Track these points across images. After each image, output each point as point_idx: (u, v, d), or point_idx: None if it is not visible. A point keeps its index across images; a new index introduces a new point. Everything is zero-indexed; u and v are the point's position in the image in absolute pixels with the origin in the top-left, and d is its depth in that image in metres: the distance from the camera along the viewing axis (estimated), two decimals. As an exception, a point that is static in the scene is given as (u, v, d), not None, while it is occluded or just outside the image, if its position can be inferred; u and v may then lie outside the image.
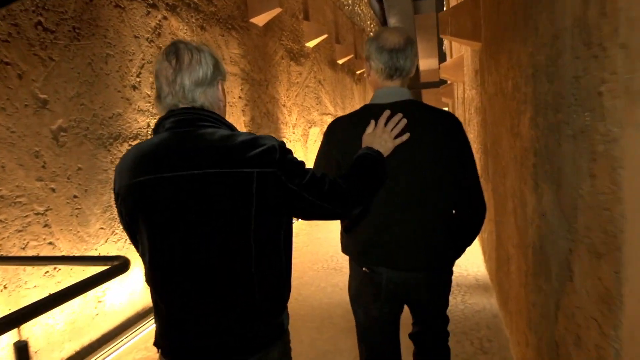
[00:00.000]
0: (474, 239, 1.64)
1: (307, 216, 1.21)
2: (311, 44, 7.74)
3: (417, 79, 20.27)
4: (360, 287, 1.64)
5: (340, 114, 10.00)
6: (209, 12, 4.54)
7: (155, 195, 1.11)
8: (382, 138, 1.45)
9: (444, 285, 1.67)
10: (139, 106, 3.45)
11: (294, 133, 6.82)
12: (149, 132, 3.56)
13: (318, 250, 4.95)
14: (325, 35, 7.79)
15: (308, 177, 1.15)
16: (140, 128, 3.46)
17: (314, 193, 1.15)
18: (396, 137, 1.47)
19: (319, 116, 8.29)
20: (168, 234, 1.11)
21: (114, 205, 1.93)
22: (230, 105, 4.87)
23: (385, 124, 1.48)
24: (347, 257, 1.73)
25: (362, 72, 12.57)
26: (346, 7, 11.36)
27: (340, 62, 9.97)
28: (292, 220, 1.22)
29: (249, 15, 5.43)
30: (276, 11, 5.54)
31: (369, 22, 14.72)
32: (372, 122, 1.49)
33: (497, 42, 2.73)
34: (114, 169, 1.38)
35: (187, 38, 4.14)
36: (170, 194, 1.10)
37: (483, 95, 3.57)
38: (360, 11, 13.24)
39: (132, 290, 3.29)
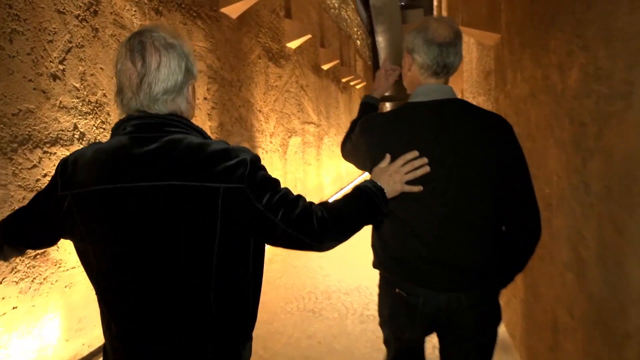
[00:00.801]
0: (525, 264, 1.46)
1: (273, 242, 1.09)
2: (293, 44, 7.00)
3: (405, 90, 19.69)
4: (393, 308, 1.51)
5: (324, 123, 9.24)
6: (168, -6, 3.76)
7: (115, 207, 1.04)
8: (392, 177, 1.31)
9: (494, 312, 1.46)
10: (61, 102, 2.64)
11: (271, 143, 6.03)
12: (76, 137, 2.74)
13: (294, 283, 4.14)
14: (309, 36, 7.05)
15: (277, 197, 1.05)
16: (62, 130, 2.64)
17: (282, 216, 1.04)
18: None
19: (301, 125, 7.52)
20: (125, 248, 1.04)
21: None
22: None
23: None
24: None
25: (348, 80, 11.88)
26: (332, 11, 10.68)
27: (325, 67, 9.25)
28: (264, 244, 1.11)
29: (220, 4, 4.66)
30: (251, 1, 4.78)
31: (355, 29, 14.08)
32: (388, 156, 1.35)
33: (535, 27, 2.01)
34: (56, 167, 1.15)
35: (136, 22, 3.34)
36: (131, 207, 1.03)
37: (503, 100, 2.85)
38: (347, 16, 12.59)
39: (42, 346, 2.45)
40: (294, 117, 7.16)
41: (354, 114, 14.51)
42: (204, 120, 4.25)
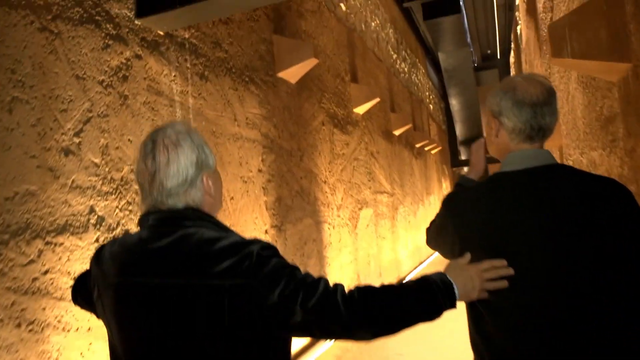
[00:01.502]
0: None
1: (297, 331, 1.03)
2: (361, 109, 6.52)
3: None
4: None
5: (398, 191, 8.53)
6: (215, 58, 3.39)
7: (127, 301, 1.08)
8: (471, 281, 1.12)
9: None
10: (73, 181, 2.19)
11: (338, 216, 5.40)
12: (92, 222, 2.27)
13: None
14: (377, 100, 6.56)
15: (294, 283, 1.00)
16: (73, 215, 2.17)
17: (301, 302, 0.98)
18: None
19: (372, 195, 6.87)
20: (136, 343, 1.07)
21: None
22: (245, 181, 3.57)
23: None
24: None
25: (422, 145, 11.21)
26: (402, 75, 10.28)
27: (396, 132, 8.69)
28: (287, 343, 1.09)
29: (276, 69, 4.28)
30: (311, 63, 4.37)
31: (427, 93, 13.59)
32: (468, 255, 1.18)
33: None
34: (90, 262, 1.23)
35: (176, 88, 2.95)
36: (141, 302, 1.06)
37: (642, 151, 2.05)
38: (417, 81, 12.16)
39: None
40: (365, 187, 6.54)
41: (431, 180, 13.74)
42: (258, 195, 3.73)
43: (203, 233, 1.06)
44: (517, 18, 7.88)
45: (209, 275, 1.00)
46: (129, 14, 2.64)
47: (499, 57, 16.02)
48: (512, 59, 12.12)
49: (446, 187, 15.85)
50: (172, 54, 2.96)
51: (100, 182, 2.34)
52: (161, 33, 2.87)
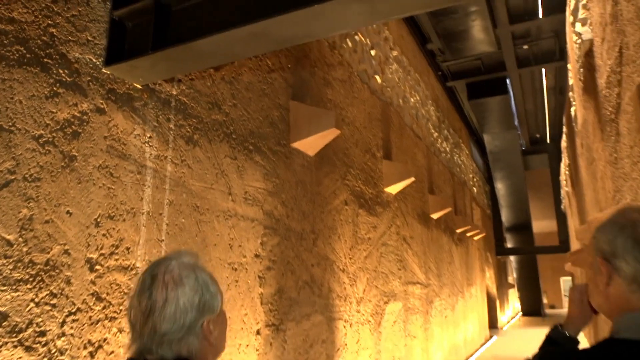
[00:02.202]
0: None
1: None
2: (393, 189, 5.88)
3: (531, 242, 17.37)
4: None
5: (434, 282, 7.60)
6: (210, 121, 2.89)
7: None
8: None
9: None
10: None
11: (358, 312, 4.60)
12: (-15, 322, 1.66)
13: None
14: (412, 179, 5.90)
15: None
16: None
17: None
18: None
19: (402, 286, 6.03)
20: None
21: None
22: (235, 269, 2.92)
23: None
24: None
25: (464, 231, 10.30)
26: (443, 155, 9.65)
27: (434, 216, 7.92)
28: None
29: (291, 138, 3.76)
30: (331, 134, 3.82)
31: (471, 175, 12.83)
32: None
33: None
34: None
35: (151, 152, 2.42)
36: None
37: None
38: (460, 162, 11.48)
39: None
40: (393, 277, 5.73)
41: (472, 269, 12.58)
42: (251, 285, 3.06)
43: None
44: (571, 99, 7.22)
45: None
46: (94, 60, 2.18)
47: (548, 141, 15.23)
48: (563, 143, 11.33)
49: (490, 277, 14.57)
50: (151, 111, 2.46)
51: (11, 266, 1.75)
52: (138, 86, 2.40)
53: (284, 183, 3.59)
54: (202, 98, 2.85)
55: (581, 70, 5.25)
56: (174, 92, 2.64)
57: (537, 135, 14.93)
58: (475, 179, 13.54)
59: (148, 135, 2.43)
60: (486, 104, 11.42)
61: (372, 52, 5.97)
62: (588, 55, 4.75)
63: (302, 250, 3.73)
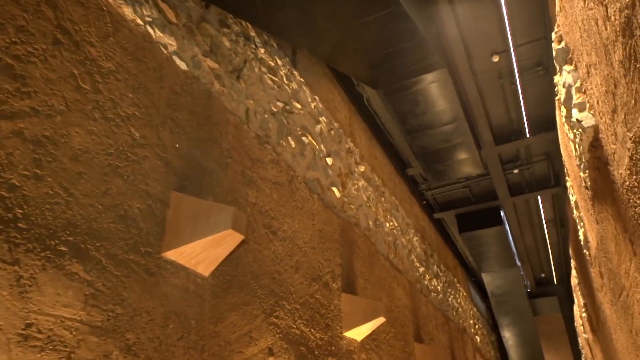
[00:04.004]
0: None
1: None
2: (357, 333, 4.34)
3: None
4: None
5: None
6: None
7: None
8: None
9: None
10: None
11: None
12: None
13: None
14: (382, 319, 4.38)
15: None
16: None
17: None
18: None
19: None
20: None
21: None
22: None
23: None
24: None
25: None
26: (434, 295, 8.12)
27: (424, 372, 6.15)
28: None
29: (165, 244, 2.45)
30: (230, 240, 2.51)
31: (472, 321, 11.04)
32: None
33: None
34: None
35: None
36: None
37: None
38: (457, 304, 9.84)
39: None
40: None
41: None
42: None
43: None
44: (577, 221, 6.01)
45: None
46: None
47: (555, 282, 13.67)
48: (574, 280, 9.82)
49: None
50: None
51: None
52: None
53: (136, 315, 2.19)
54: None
55: (587, 172, 4.16)
56: None
57: (542, 275, 13.43)
58: (477, 326, 11.69)
59: None
60: (480, 238, 10.21)
61: (329, 161, 4.92)
62: (594, 147, 3.70)
63: None
